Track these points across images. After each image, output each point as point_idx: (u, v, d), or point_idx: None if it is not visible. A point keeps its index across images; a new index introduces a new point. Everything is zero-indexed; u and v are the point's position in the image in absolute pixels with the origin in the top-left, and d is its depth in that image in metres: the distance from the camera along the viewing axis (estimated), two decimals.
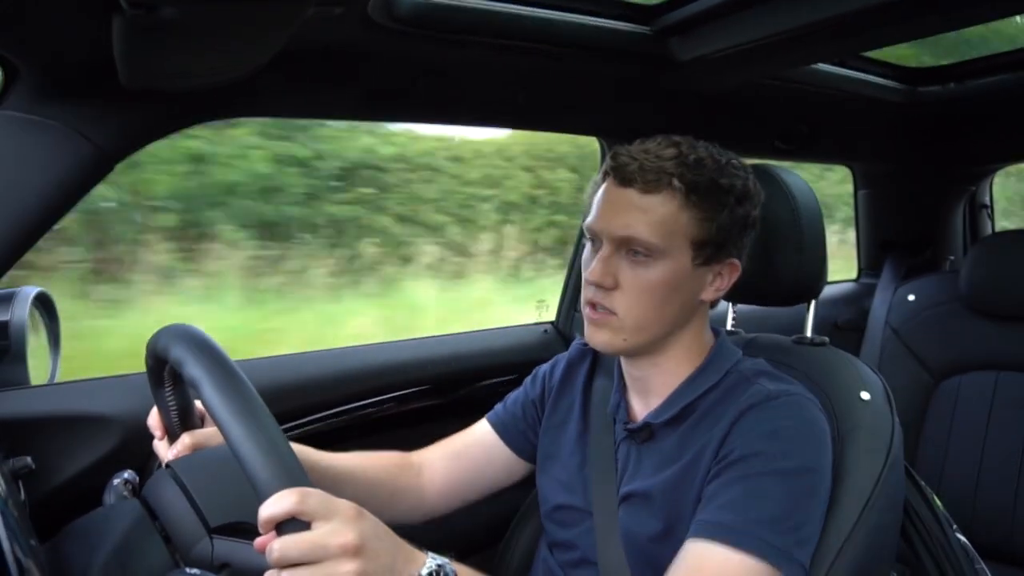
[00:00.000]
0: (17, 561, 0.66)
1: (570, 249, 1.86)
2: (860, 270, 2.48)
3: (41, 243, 1.03)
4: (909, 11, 1.12)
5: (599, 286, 0.91)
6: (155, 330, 0.78)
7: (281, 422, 0.68)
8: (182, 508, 0.81)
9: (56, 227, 1.04)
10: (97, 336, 2.62)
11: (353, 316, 3.51)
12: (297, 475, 0.63)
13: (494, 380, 1.66)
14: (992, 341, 1.70)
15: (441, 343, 1.68)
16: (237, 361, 0.71)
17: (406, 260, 3.79)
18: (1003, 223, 2.69)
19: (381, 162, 3.75)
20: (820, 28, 1.17)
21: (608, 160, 0.94)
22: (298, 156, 3.43)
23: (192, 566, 0.77)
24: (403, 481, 1.09)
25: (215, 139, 3.22)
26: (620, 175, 0.91)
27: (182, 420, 0.91)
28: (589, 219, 0.95)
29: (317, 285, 3.49)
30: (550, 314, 1.87)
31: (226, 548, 0.79)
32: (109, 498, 0.89)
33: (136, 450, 1.12)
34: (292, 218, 3.51)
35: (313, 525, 0.62)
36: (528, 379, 1.17)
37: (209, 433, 0.91)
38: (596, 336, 0.93)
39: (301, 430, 1.40)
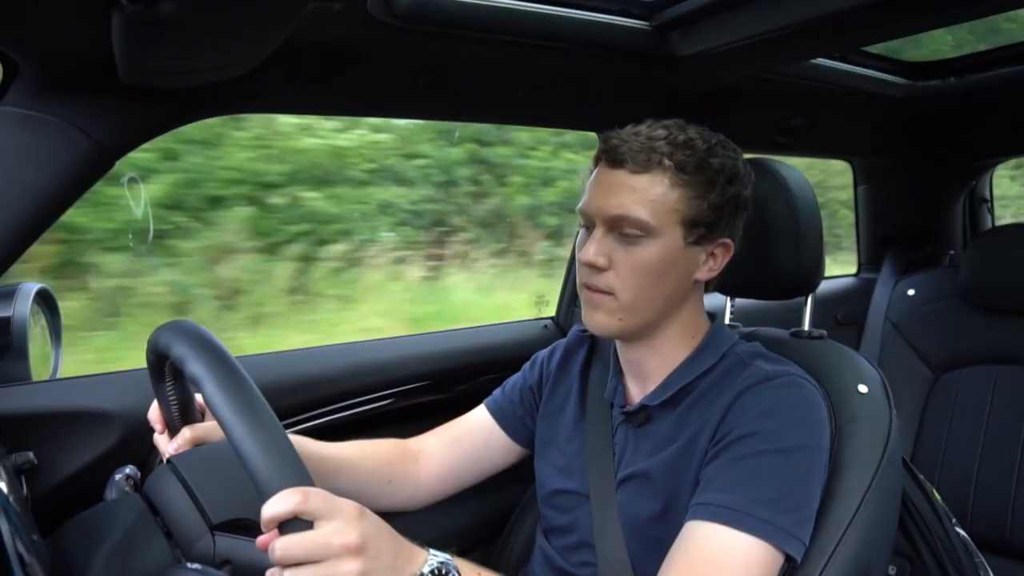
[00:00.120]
0: (19, 556, 0.67)
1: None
2: (860, 265, 2.48)
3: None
4: (908, 6, 1.12)
5: (593, 266, 0.91)
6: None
7: (282, 418, 0.68)
8: (184, 504, 0.81)
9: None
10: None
11: None
12: (299, 474, 0.63)
13: (495, 375, 1.66)
14: (992, 336, 1.70)
15: (442, 338, 1.68)
16: (238, 357, 0.71)
17: None
18: None
19: None
20: (820, 23, 1.17)
21: (600, 144, 0.95)
22: None
23: (194, 562, 0.77)
24: (401, 468, 1.09)
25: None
26: (611, 157, 0.92)
27: (183, 414, 0.91)
28: (581, 203, 0.95)
29: None
30: (550, 309, 1.88)
31: (228, 545, 0.80)
32: (111, 494, 0.90)
33: (138, 446, 1.13)
34: None
35: (315, 524, 0.62)
36: (527, 365, 1.18)
37: (209, 427, 0.91)
38: (592, 318, 0.94)
39: (302, 426, 1.40)
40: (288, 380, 1.40)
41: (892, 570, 1.52)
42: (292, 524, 0.62)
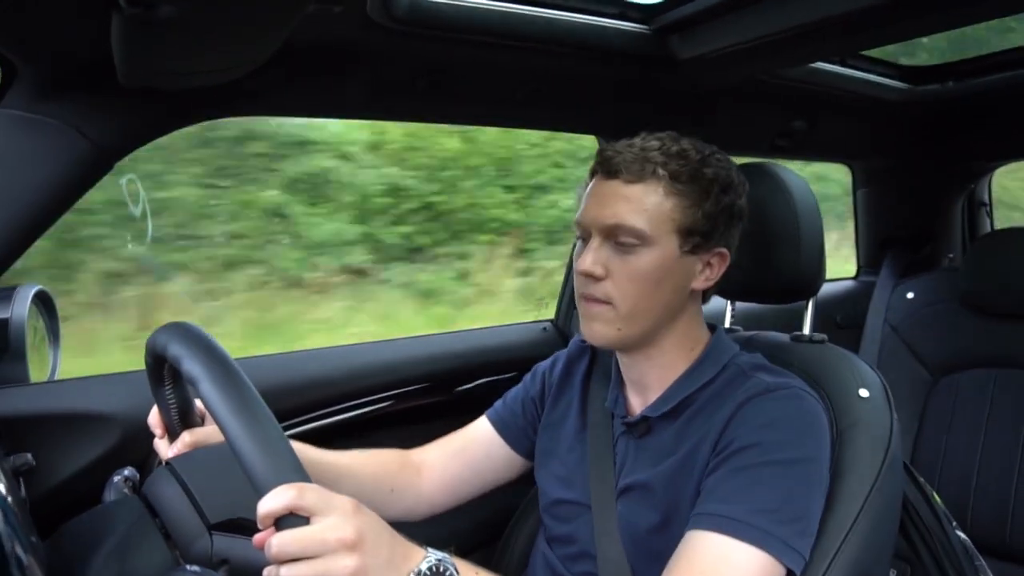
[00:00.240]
0: (17, 558, 0.66)
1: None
2: (859, 268, 2.48)
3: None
4: (909, 9, 1.12)
5: (590, 275, 0.92)
6: None
7: (281, 420, 0.68)
8: (182, 505, 0.81)
9: None
10: None
11: None
12: (295, 470, 0.63)
13: (493, 377, 1.66)
14: (991, 339, 1.70)
15: (441, 341, 1.68)
16: (237, 359, 0.71)
17: None
18: None
19: None
20: (820, 26, 1.17)
21: (595, 157, 0.96)
22: None
23: (192, 563, 0.77)
24: (402, 479, 1.09)
25: None
26: (606, 168, 0.93)
27: (182, 418, 0.91)
28: (578, 214, 0.96)
29: None
30: (550, 311, 1.87)
31: (225, 544, 0.80)
32: (109, 495, 0.89)
33: (136, 448, 1.12)
34: None
35: (311, 520, 0.62)
36: (528, 376, 1.17)
37: (209, 431, 0.91)
38: (591, 328, 0.94)
39: (301, 428, 1.40)
40: (288, 382, 1.40)
41: (892, 573, 1.52)
42: (288, 520, 0.61)
